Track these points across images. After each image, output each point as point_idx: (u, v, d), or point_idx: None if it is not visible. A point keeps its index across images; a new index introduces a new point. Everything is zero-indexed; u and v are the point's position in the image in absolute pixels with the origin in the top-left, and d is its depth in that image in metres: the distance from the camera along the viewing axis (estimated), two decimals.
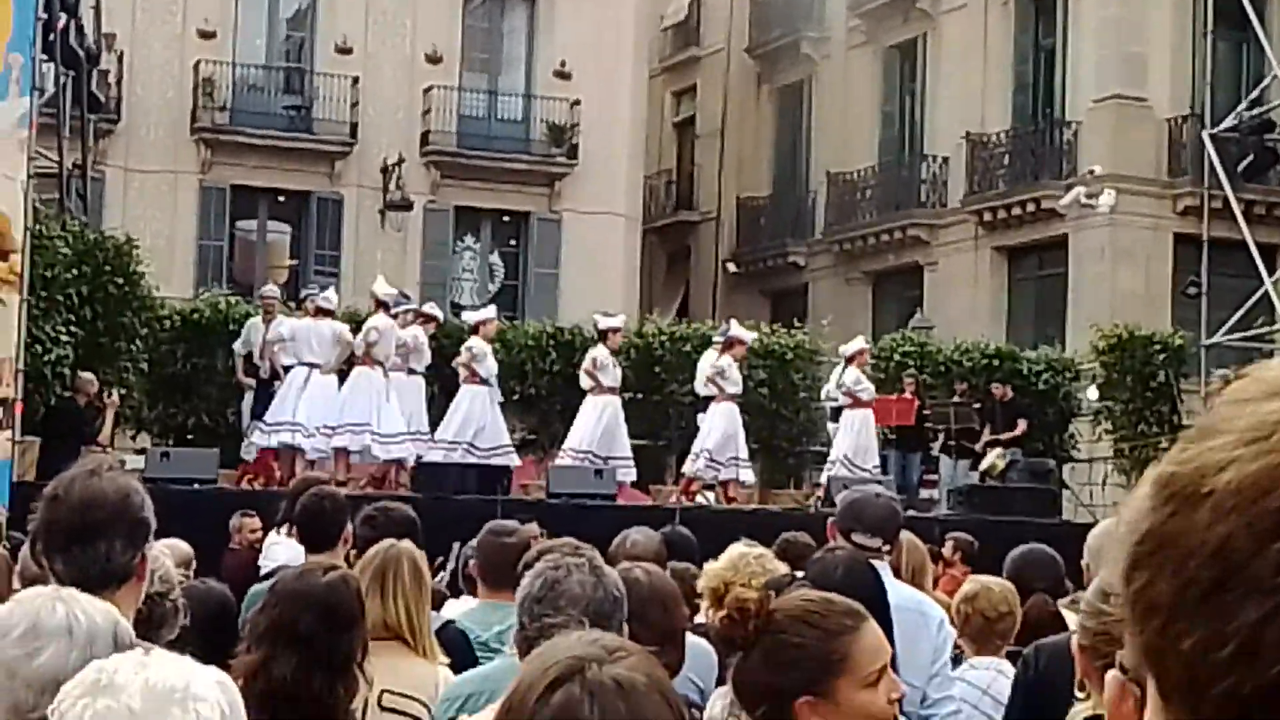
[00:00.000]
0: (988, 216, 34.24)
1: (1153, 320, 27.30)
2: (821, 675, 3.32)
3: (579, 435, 20.03)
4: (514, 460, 19.98)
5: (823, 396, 22.41)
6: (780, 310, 34.51)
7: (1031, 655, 5.81)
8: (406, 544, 5.49)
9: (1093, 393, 25.15)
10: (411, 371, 19.80)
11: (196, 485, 17.26)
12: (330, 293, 20.82)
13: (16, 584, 4.63)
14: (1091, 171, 30.33)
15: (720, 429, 20.26)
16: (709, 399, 20.56)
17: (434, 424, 19.94)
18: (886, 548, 6.30)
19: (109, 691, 2.29)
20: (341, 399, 19.33)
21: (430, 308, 21.31)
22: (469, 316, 21.27)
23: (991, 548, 10.72)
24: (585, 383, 20.34)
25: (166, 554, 5.01)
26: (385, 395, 19.29)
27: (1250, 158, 28.43)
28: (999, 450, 22.69)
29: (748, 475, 20.89)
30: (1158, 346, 24.89)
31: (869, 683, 3.35)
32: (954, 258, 35.15)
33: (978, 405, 23.15)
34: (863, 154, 37.86)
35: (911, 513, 16.59)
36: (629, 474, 20.26)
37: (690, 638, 4.91)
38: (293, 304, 25.48)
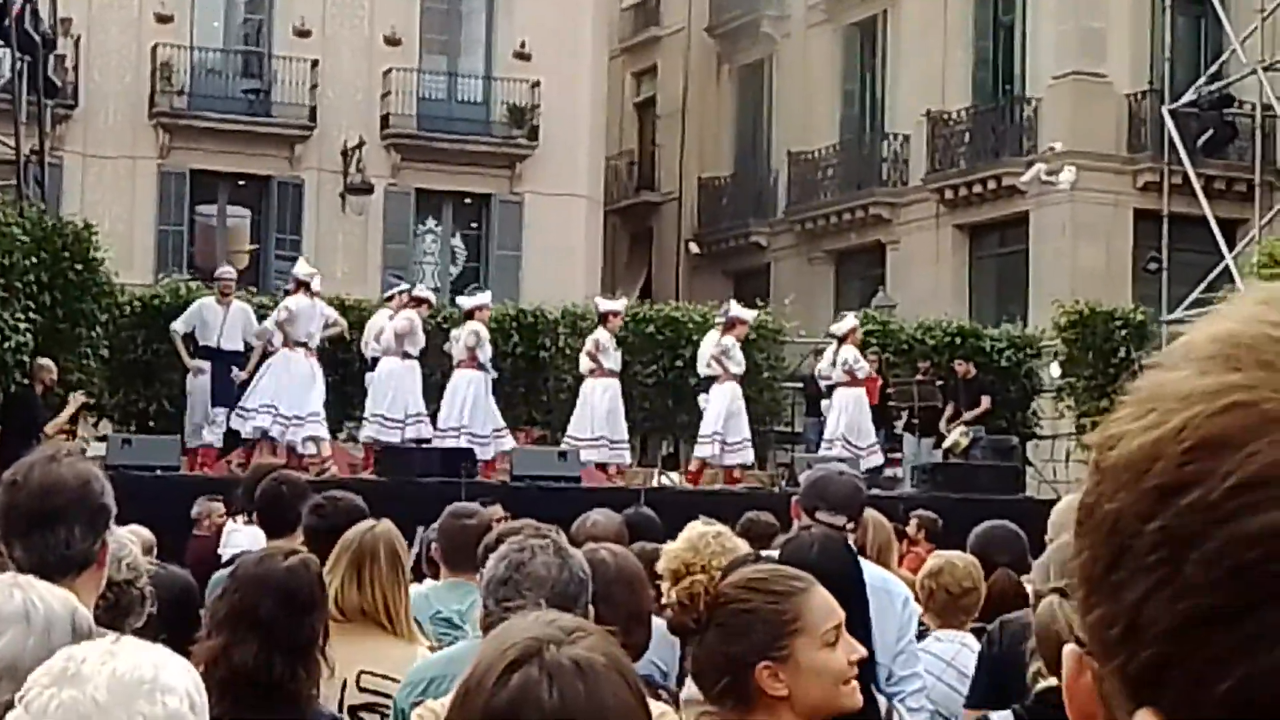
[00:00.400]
0: (949, 194, 34.32)
1: (1114, 296, 27.39)
2: (777, 637, 3.31)
3: (586, 421, 20.14)
4: (508, 444, 20.03)
5: (817, 374, 22.38)
6: (743, 290, 34.50)
7: (996, 630, 5.83)
8: (385, 525, 5.49)
9: (1055, 369, 25.23)
10: (406, 356, 19.76)
11: (158, 472, 17.18)
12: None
13: None
14: (1052, 148, 30.41)
15: (725, 409, 20.41)
16: (711, 380, 20.67)
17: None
18: (851, 525, 6.29)
19: (75, 682, 2.26)
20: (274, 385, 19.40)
21: (421, 290, 21.19)
22: (464, 301, 21.18)
23: (955, 525, 10.74)
24: (586, 365, 20.39)
25: (134, 541, 4.98)
26: (302, 377, 19.38)
27: (1210, 133, 28.54)
28: (962, 428, 22.74)
29: (748, 456, 21.00)
30: (1119, 323, 24.96)
31: (827, 642, 3.35)
32: (916, 236, 35.22)
33: (940, 383, 23.20)
34: (824, 133, 37.89)
35: (876, 491, 16.62)
36: (624, 456, 20.52)
37: (654, 620, 4.91)
38: (254, 288, 25.40)
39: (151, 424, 21.60)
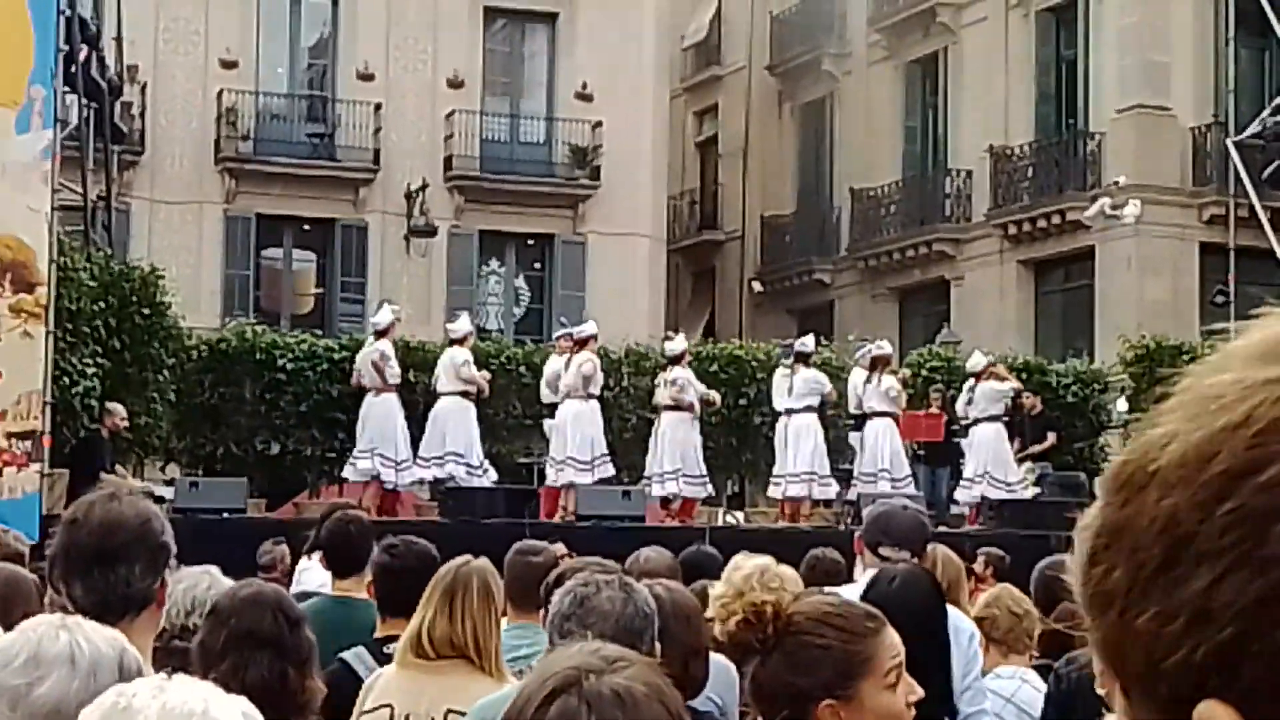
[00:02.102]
0: (1013, 229, 34.17)
1: (1181, 330, 27.19)
2: (846, 677, 3.29)
3: (684, 457, 20.19)
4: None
5: (852, 405, 22.26)
6: (807, 328, 34.33)
7: (1063, 668, 5.76)
8: (481, 560, 5.47)
9: (1122, 404, 25.03)
10: (590, 397, 19.81)
11: (225, 514, 17.26)
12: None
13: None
14: (1116, 182, 30.26)
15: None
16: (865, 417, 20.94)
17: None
18: (914, 561, 6.25)
19: (126, 715, 2.26)
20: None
21: (586, 328, 20.89)
22: (578, 330, 20.76)
23: (1022, 562, 10.64)
24: (667, 399, 20.40)
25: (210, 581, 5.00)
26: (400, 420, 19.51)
27: (1275, 165, 28.32)
28: (1029, 464, 22.59)
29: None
30: (1186, 357, 24.74)
31: (889, 684, 3.33)
32: (980, 271, 35.07)
33: (1007, 419, 23.05)
34: (886, 169, 37.82)
35: (942, 528, 16.52)
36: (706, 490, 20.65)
37: (712, 656, 4.89)
38: (319, 331, 25.54)
39: (219, 467, 21.73)
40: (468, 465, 19.57)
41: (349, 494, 19.24)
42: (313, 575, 10.94)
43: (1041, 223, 33.46)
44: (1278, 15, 29.54)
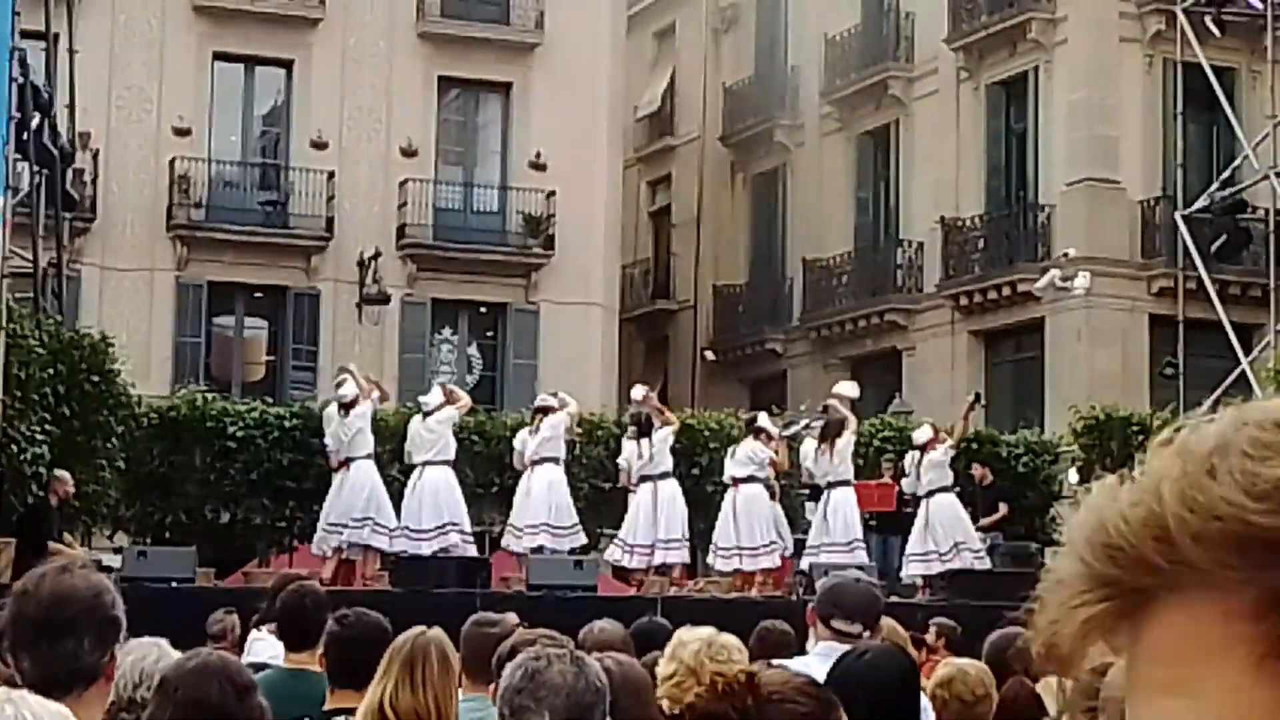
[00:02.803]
0: (964, 301, 34.36)
1: (1131, 401, 27.35)
2: None
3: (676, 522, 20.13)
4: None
5: (806, 475, 22.24)
6: (759, 397, 34.50)
7: None
8: (436, 631, 5.46)
9: (1073, 475, 25.13)
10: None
11: (174, 584, 17.13)
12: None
13: None
14: (1066, 254, 30.47)
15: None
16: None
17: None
18: (866, 634, 6.24)
19: None
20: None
21: (543, 400, 21.03)
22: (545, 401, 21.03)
23: (974, 633, 10.65)
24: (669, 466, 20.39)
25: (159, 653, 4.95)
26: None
27: (1223, 238, 28.55)
28: (980, 535, 22.61)
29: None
30: (1136, 428, 24.91)
31: None
32: (931, 342, 35.23)
33: (958, 490, 23.08)
34: (838, 240, 38.01)
35: (894, 598, 16.52)
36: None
37: None
38: (269, 399, 25.44)
39: (168, 535, 21.58)
40: (461, 533, 19.52)
41: (299, 564, 19.15)
42: (264, 646, 10.86)
43: (992, 294, 33.67)
44: (1225, 90, 29.86)
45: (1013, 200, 34.65)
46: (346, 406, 19.67)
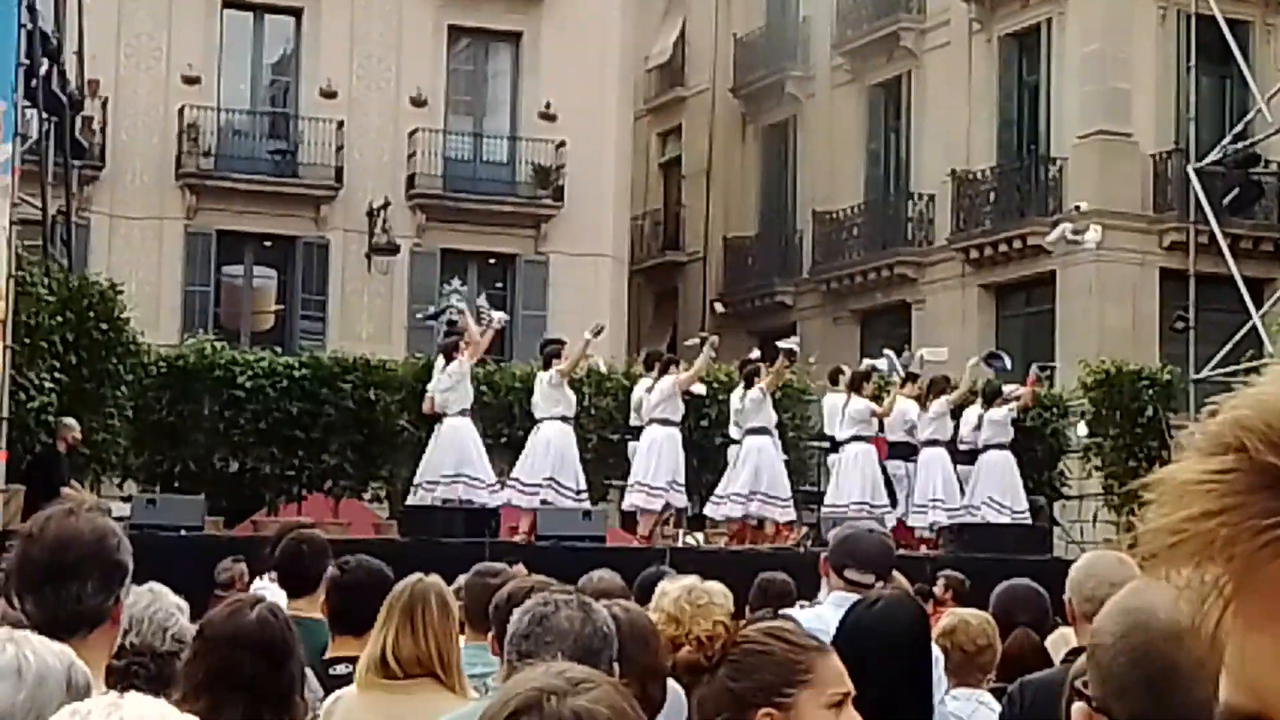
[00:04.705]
0: (974, 254, 34.27)
1: (1141, 356, 27.27)
2: (785, 684, 3.25)
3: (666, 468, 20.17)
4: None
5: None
6: (768, 350, 34.39)
7: (1017, 692, 5.73)
8: (433, 577, 5.44)
9: (1082, 429, 25.08)
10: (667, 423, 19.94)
11: (183, 532, 17.15)
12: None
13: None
14: (1077, 208, 30.35)
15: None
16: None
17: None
18: (879, 584, 6.22)
19: None
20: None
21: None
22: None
23: (983, 586, 10.64)
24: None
25: (183, 612, 4.92)
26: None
27: (1235, 192, 28.46)
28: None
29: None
30: (1146, 382, 24.84)
31: (833, 703, 3.28)
32: (941, 295, 35.16)
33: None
34: (849, 192, 37.91)
35: (903, 551, 16.52)
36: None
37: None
38: (279, 348, 25.43)
39: (176, 485, 21.59)
40: (561, 489, 19.38)
41: (307, 513, 19.17)
42: (268, 595, 10.88)
43: (1003, 247, 33.58)
44: (1238, 44, 29.71)
45: (1024, 153, 34.53)
46: (446, 354, 19.40)
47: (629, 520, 21.01)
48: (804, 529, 21.36)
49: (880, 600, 4.85)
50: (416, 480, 19.20)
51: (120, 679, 3.90)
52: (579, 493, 19.40)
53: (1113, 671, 1.74)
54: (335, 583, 6.23)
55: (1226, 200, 28.60)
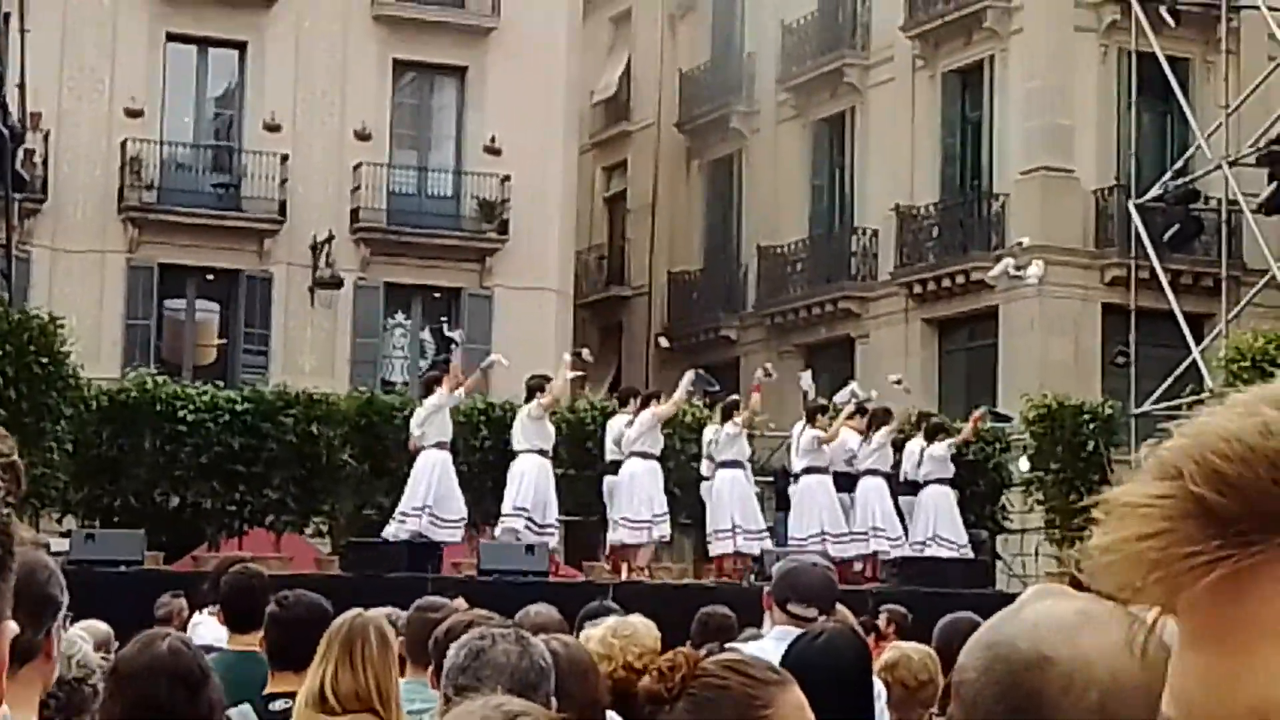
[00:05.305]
0: (917, 289, 34.42)
1: (1082, 390, 27.41)
2: (744, 719, 3.23)
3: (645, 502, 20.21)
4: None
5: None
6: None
7: None
8: (373, 612, 5.42)
9: (1024, 463, 25.18)
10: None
11: (122, 567, 17.02)
12: None
13: None
14: (1020, 243, 30.51)
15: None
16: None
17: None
18: (823, 618, 6.21)
19: None
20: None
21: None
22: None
23: (925, 619, 10.65)
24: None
25: (86, 639, 4.88)
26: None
27: (1176, 228, 28.64)
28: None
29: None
30: (1087, 416, 24.96)
31: None
32: (885, 330, 35.28)
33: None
34: (793, 227, 38.03)
35: (845, 585, 16.52)
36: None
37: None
38: (220, 382, 25.29)
39: (116, 519, 21.43)
40: (530, 520, 19.45)
41: (248, 548, 19.06)
42: (206, 629, 10.81)
43: (946, 282, 33.73)
44: (1179, 80, 29.96)
45: (967, 188, 34.73)
46: (426, 387, 19.69)
47: (572, 555, 20.97)
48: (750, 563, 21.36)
49: (823, 634, 4.85)
50: (397, 512, 19.34)
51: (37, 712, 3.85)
52: (543, 526, 19.49)
53: (978, 705, 1.74)
54: (274, 618, 6.19)
55: (1167, 236, 28.77)
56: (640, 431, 19.93)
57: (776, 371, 23.27)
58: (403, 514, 19.26)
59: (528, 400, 20.06)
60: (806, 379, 23.51)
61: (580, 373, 20.66)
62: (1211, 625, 0.83)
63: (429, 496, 19.06)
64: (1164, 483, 0.83)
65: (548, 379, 20.41)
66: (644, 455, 19.96)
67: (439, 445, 19.27)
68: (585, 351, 22.25)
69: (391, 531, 19.21)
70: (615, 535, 20.14)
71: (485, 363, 20.55)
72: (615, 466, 20.50)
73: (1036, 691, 1.66)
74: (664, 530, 20.38)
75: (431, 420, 19.30)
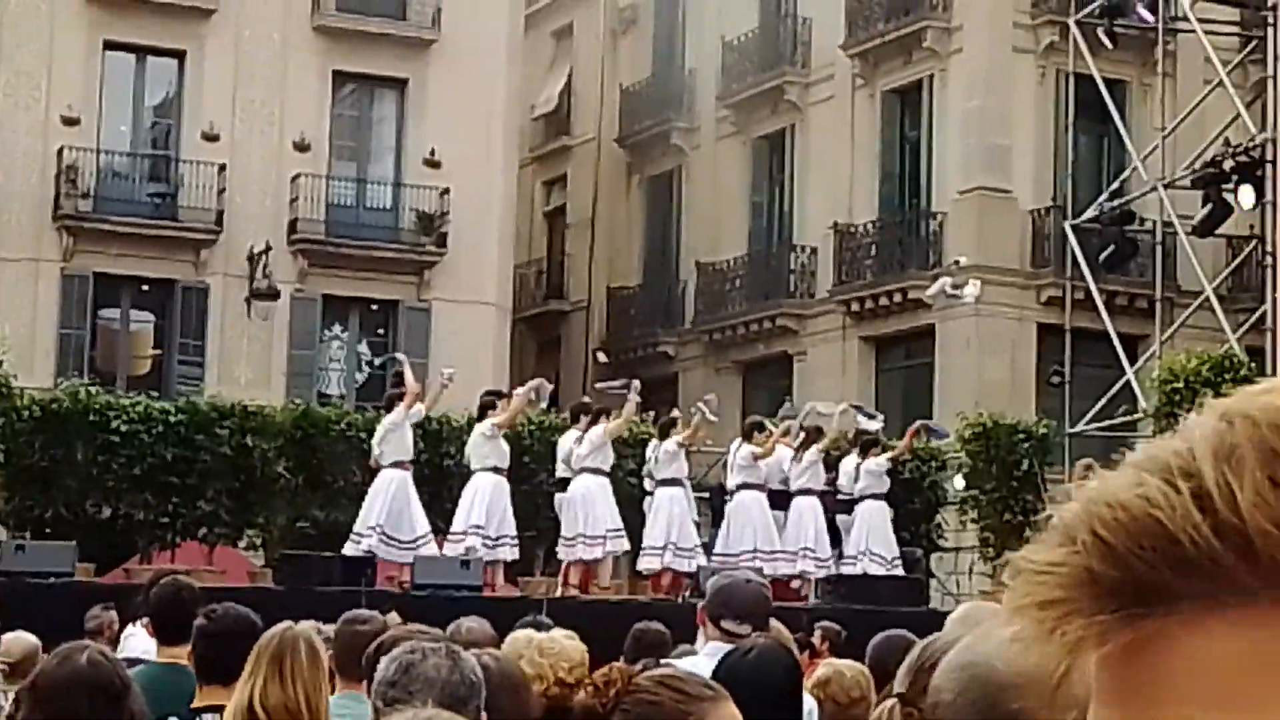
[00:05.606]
0: (855, 306, 34.54)
1: (1018, 409, 27.56)
2: None
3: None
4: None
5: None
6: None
7: None
8: (303, 625, 5.39)
9: (959, 482, 25.29)
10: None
11: (53, 579, 16.85)
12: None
13: None
14: (957, 262, 30.68)
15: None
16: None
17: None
18: (756, 634, 6.20)
19: None
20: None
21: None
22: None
23: (859, 637, 10.67)
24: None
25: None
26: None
27: (1111, 248, 28.86)
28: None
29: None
30: (1022, 435, 25.11)
31: None
32: (822, 347, 35.37)
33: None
34: (732, 243, 38.10)
35: (779, 602, 16.53)
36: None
37: None
38: (155, 393, 25.10)
39: (48, 530, 21.24)
40: (485, 537, 19.36)
41: (181, 561, 18.93)
42: (137, 642, 10.73)
43: (884, 300, 33.85)
44: (1115, 102, 30.20)
45: (905, 207, 34.89)
46: (388, 405, 19.61)
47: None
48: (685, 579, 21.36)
49: (754, 649, 4.84)
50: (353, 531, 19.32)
51: None
52: (498, 541, 19.48)
53: None
54: (201, 631, 6.15)
55: (1102, 257, 28.99)
56: (591, 448, 19.91)
57: (718, 400, 23.19)
58: (357, 533, 19.18)
59: (480, 418, 20.01)
60: (863, 418, 23.77)
61: (537, 401, 20.72)
62: (1114, 686, 0.85)
63: (382, 515, 18.99)
64: (1061, 549, 0.85)
65: (500, 395, 20.39)
66: (595, 471, 19.93)
67: (396, 464, 19.20)
68: (637, 384, 22.16)
69: (349, 550, 19.11)
70: (573, 552, 20.07)
71: (445, 376, 20.45)
72: (565, 483, 20.47)
73: (1015, 712, 1.66)
74: (622, 545, 20.35)
75: (389, 438, 19.24)
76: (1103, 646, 0.83)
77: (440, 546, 19.64)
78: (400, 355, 21.63)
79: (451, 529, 19.58)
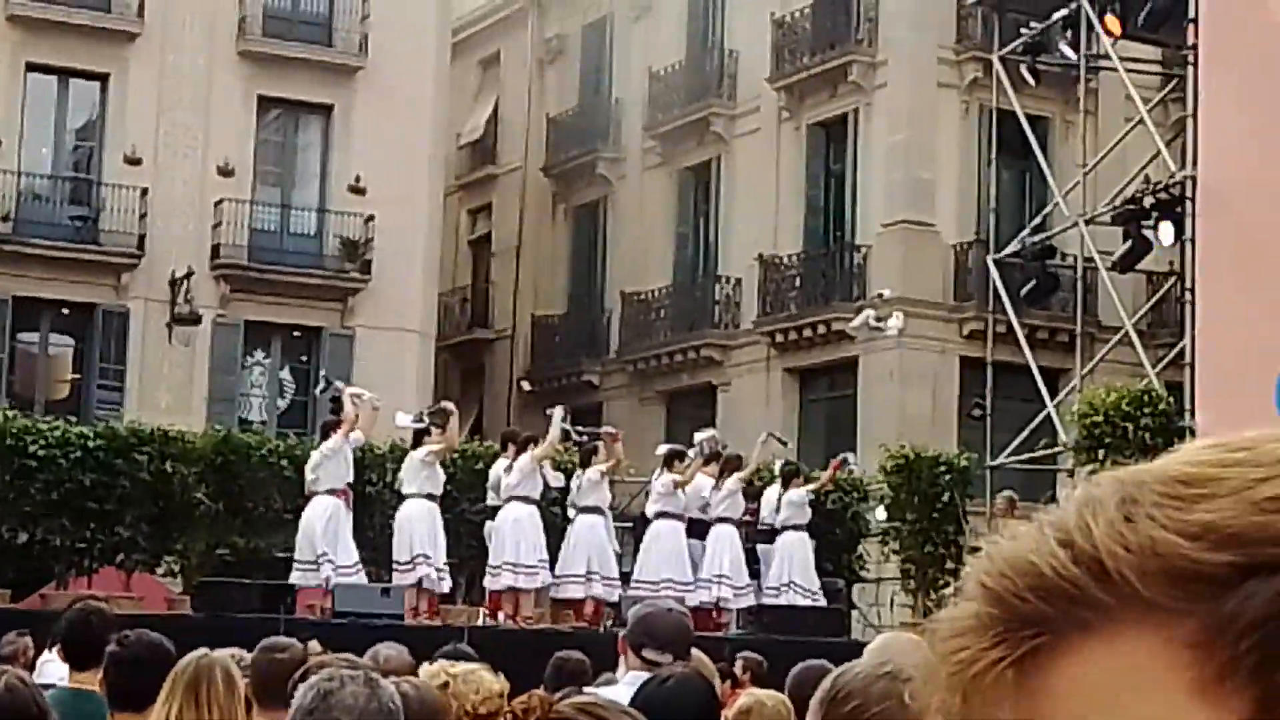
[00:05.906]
0: (779, 338, 34.64)
1: (939, 442, 27.69)
2: None
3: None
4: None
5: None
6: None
7: None
8: (220, 653, 5.32)
9: (880, 513, 25.39)
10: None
11: None
12: None
13: None
14: (881, 295, 30.83)
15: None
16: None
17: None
18: (678, 664, 6.18)
19: None
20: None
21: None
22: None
23: (780, 667, 10.67)
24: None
25: None
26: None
27: (1033, 283, 29.03)
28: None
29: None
30: (943, 468, 25.23)
31: None
32: (746, 378, 35.45)
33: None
34: (657, 274, 38.15)
35: (700, 632, 16.52)
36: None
37: None
38: (73, 418, 24.86)
39: None
40: (435, 567, 19.25)
41: (99, 587, 18.74)
42: (53, 667, 10.63)
43: (807, 332, 33.97)
44: (1038, 139, 30.44)
45: (830, 240, 35.04)
46: (324, 432, 19.43)
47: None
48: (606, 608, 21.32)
49: (671, 678, 4.83)
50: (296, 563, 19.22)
51: None
52: (440, 571, 19.43)
53: None
54: (114, 657, 6.07)
55: (1024, 291, 29.16)
56: (520, 476, 19.87)
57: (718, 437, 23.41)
58: (301, 564, 18.96)
59: (415, 445, 19.94)
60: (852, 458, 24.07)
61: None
62: (1009, 715, 0.90)
63: (324, 544, 18.82)
64: (959, 605, 0.92)
65: (532, 440, 20.52)
66: (524, 500, 19.88)
67: (330, 491, 19.05)
68: (621, 432, 22.21)
69: (298, 579, 18.92)
70: (500, 581, 19.96)
71: (375, 401, 20.32)
72: (494, 511, 20.39)
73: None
74: (549, 577, 20.30)
75: (324, 465, 19.09)
76: (993, 678, 0.89)
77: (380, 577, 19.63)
78: (340, 383, 21.41)
79: (395, 558, 19.38)
